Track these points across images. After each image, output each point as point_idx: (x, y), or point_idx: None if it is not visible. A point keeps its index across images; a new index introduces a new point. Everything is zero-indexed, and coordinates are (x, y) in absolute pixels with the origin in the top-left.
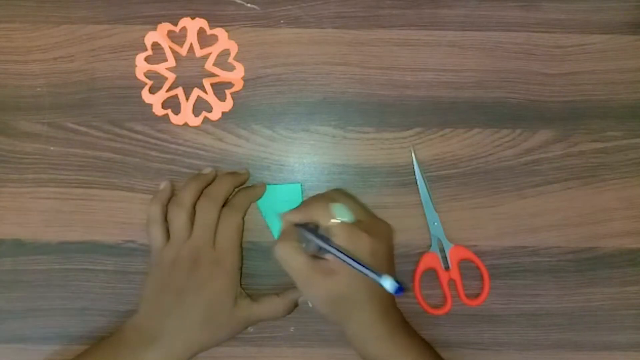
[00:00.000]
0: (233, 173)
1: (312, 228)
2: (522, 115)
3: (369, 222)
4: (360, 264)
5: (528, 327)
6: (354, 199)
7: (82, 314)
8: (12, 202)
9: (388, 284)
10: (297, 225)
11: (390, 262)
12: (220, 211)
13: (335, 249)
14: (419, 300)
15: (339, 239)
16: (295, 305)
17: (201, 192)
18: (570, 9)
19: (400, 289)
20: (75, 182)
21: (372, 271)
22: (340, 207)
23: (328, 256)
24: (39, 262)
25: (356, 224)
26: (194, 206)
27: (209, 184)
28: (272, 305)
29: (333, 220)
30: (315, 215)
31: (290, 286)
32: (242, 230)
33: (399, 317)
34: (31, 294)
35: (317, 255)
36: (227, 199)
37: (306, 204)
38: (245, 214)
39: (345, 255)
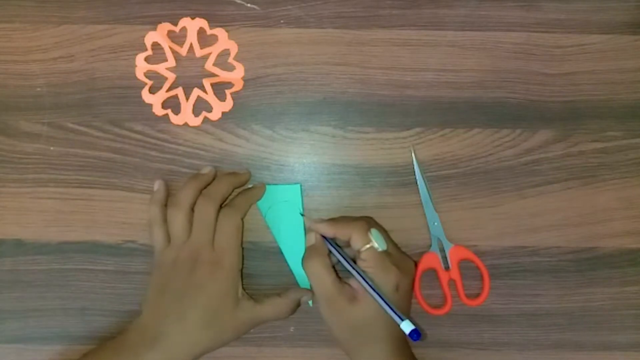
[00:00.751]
0: (233, 173)
1: (339, 247)
2: (522, 115)
3: (397, 255)
4: (384, 300)
5: (528, 327)
6: (385, 231)
7: (82, 314)
8: (12, 202)
9: (407, 328)
10: (326, 239)
11: (409, 299)
12: (219, 211)
13: (364, 279)
14: (419, 300)
15: (369, 264)
16: (298, 305)
17: (200, 192)
18: (570, 9)
19: (418, 335)
20: (75, 182)
21: (395, 311)
22: (378, 233)
23: (352, 282)
24: (39, 262)
25: (386, 255)
26: (192, 206)
27: (209, 183)
28: (275, 306)
29: (367, 245)
30: (354, 234)
31: (291, 285)
32: (242, 231)
33: (410, 355)
34: (31, 294)
35: (339, 275)
36: (227, 199)
37: (343, 220)
38: (244, 215)
39: (372, 287)
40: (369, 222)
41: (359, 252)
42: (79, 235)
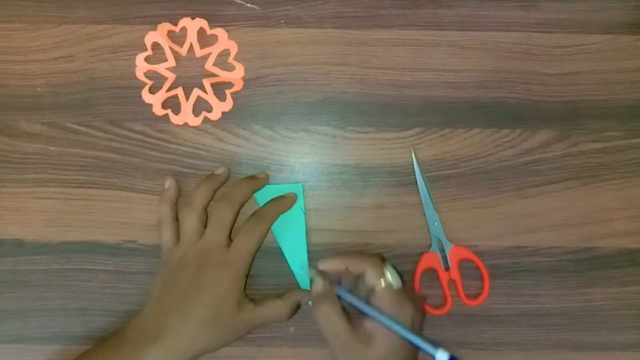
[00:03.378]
0: (252, 177)
1: (350, 290)
2: (522, 115)
3: (409, 290)
4: (413, 334)
5: (528, 327)
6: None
7: (82, 314)
8: (12, 202)
9: (444, 357)
10: (336, 283)
11: (421, 333)
12: (237, 214)
13: (379, 313)
14: None
15: (385, 302)
16: (298, 306)
17: (214, 193)
18: (570, 9)
19: None
20: (76, 182)
21: (426, 342)
22: (393, 270)
23: (365, 323)
24: (39, 262)
25: (403, 292)
26: (205, 207)
27: (223, 184)
28: (276, 308)
29: (383, 283)
30: (368, 269)
31: (292, 286)
32: (263, 241)
33: None
34: (31, 294)
35: (348, 311)
36: (245, 203)
37: (355, 254)
38: (272, 224)
39: (395, 324)
40: (380, 257)
41: (373, 289)
42: (79, 235)
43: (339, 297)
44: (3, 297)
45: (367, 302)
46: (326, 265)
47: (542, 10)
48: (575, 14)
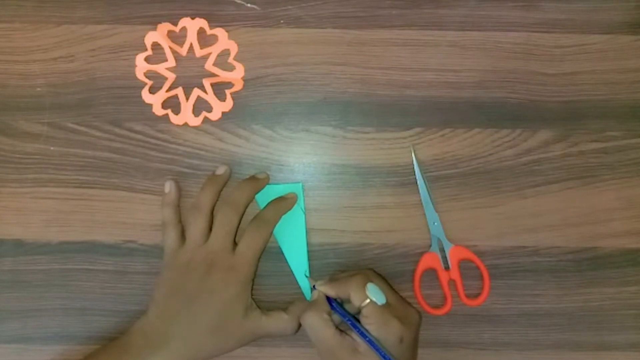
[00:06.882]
0: (253, 178)
1: (342, 308)
2: (522, 115)
3: (399, 307)
4: (387, 356)
5: (528, 327)
6: (386, 281)
7: (82, 314)
8: (12, 202)
9: None
10: (328, 298)
11: (415, 351)
12: (241, 217)
13: (364, 334)
14: (419, 300)
15: (370, 321)
16: None
17: (219, 193)
18: (570, 9)
19: None
20: (75, 182)
21: None
22: (375, 288)
23: (354, 334)
24: (39, 262)
25: (387, 308)
26: (212, 209)
27: (226, 183)
28: (281, 322)
29: (366, 301)
30: (351, 292)
31: (292, 287)
32: (267, 244)
33: None
34: (31, 294)
35: (340, 328)
36: (248, 205)
37: (343, 279)
38: (274, 227)
39: (373, 343)
40: (367, 276)
41: (360, 308)
42: (79, 235)
43: (334, 309)
44: (3, 297)
45: (358, 320)
46: (319, 289)
47: (542, 10)
48: (575, 14)
